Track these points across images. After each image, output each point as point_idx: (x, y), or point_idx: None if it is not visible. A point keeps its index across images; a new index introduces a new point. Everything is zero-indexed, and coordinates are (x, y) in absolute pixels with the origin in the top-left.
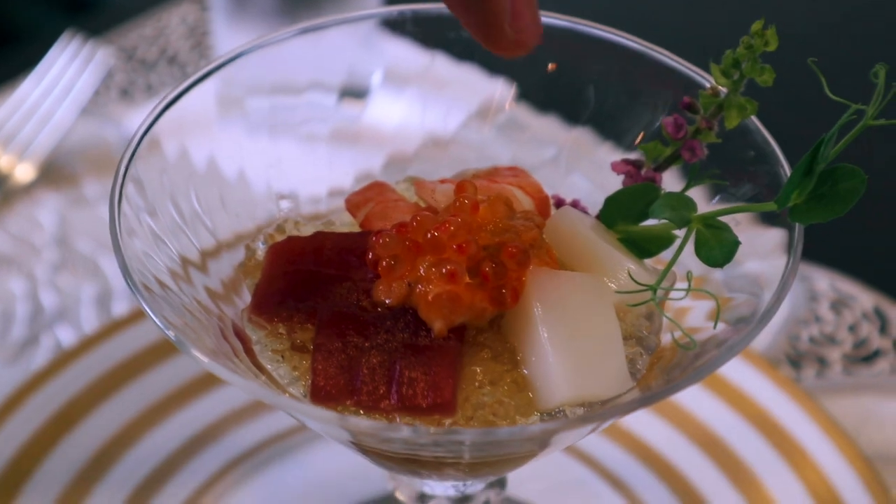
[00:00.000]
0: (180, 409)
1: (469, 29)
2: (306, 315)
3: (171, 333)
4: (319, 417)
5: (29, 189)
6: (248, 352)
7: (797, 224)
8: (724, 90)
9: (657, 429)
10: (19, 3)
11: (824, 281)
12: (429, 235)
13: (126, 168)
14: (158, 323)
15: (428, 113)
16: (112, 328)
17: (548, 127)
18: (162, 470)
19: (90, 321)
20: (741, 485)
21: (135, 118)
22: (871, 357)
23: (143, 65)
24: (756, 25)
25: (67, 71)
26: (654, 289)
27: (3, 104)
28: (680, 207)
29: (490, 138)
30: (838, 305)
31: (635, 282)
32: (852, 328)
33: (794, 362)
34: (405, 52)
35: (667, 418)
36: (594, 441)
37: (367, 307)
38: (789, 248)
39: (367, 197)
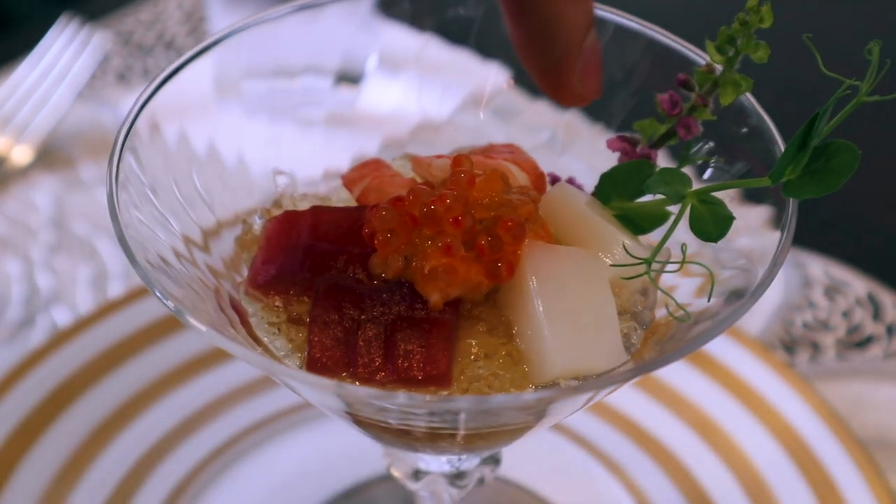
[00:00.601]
0: (176, 389)
1: (532, 73)
2: (302, 288)
3: (169, 304)
4: (316, 385)
5: (25, 172)
6: (245, 324)
7: (791, 199)
8: (719, 67)
9: (652, 411)
10: None
11: (818, 267)
12: (425, 209)
13: (124, 140)
14: (157, 294)
15: (422, 96)
16: (107, 309)
17: (541, 110)
18: (157, 449)
19: (86, 302)
20: (735, 467)
21: (131, 102)
22: (864, 343)
23: (139, 49)
24: (752, 1)
25: (64, 54)
26: (648, 262)
27: (0, 88)
28: (675, 183)
29: (484, 121)
30: (832, 291)
31: (630, 255)
32: (846, 314)
33: (787, 347)
34: (400, 36)
35: (661, 400)
36: (587, 422)
37: (364, 280)
38: (782, 221)
39: (363, 173)
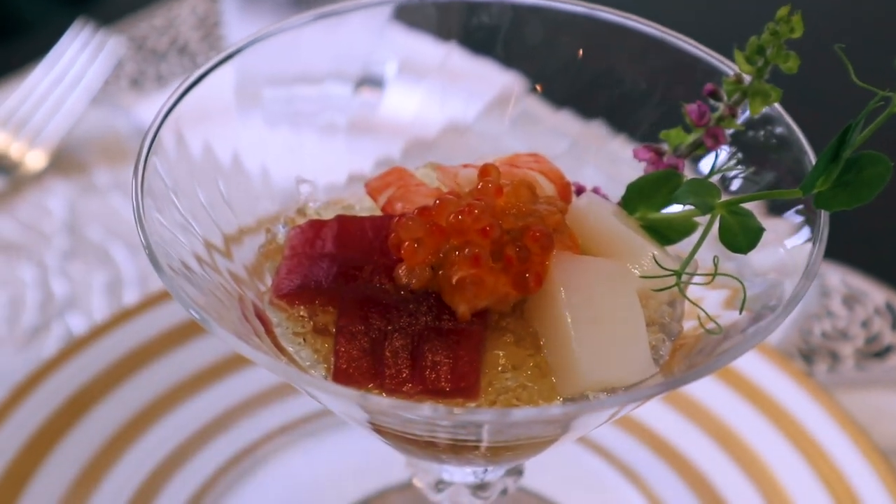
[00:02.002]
0: (192, 397)
1: None
2: (328, 298)
3: (194, 312)
4: (343, 396)
5: (39, 177)
6: (269, 334)
7: (822, 211)
8: (747, 77)
9: (671, 421)
10: None
11: (836, 276)
12: (452, 219)
13: (150, 146)
14: (182, 301)
15: (443, 104)
16: (123, 316)
17: (563, 119)
18: (175, 457)
19: (101, 309)
20: (755, 477)
21: (145, 108)
22: (883, 352)
23: (153, 55)
24: (782, 11)
25: (78, 59)
26: (678, 274)
27: (14, 92)
28: (704, 193)
29: (505, 130)
30: (850, 301)
31: (661, 266)
32: (864, 324)
33: (806, 357)
34: (421, 44)
35: (681, 410)
36: (608, 432)
37: (390, 290)
38: (814, 233)
39: (387, 182)
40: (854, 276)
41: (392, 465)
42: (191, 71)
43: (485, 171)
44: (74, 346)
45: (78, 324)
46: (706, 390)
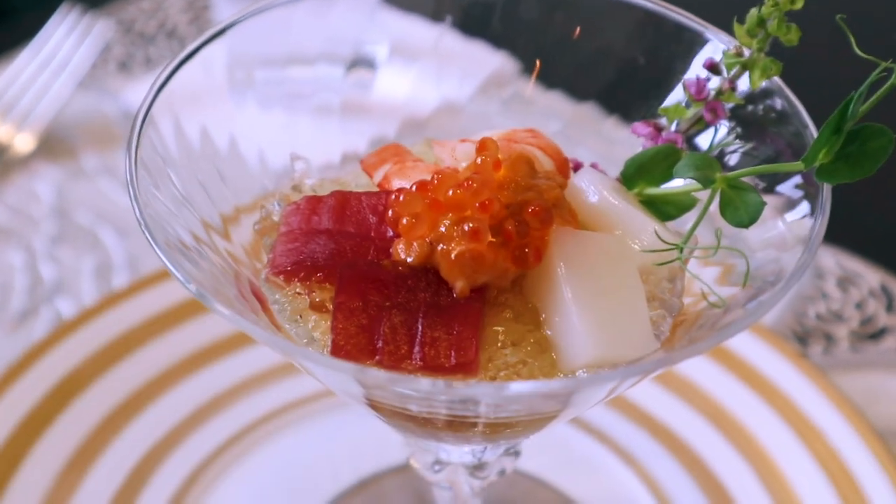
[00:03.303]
0: (184, 380)
1: None
2: (325, 274)
3: (192, 287)
4: (340, 370)
5: (27, 161)
6: (266, 311)
7: (824, 184)
8: (747, 51)
9: (667, 403)
10: None
11: (830, 258)
12: (450, 193)
13: (143, 121)
14: (180, 276)
15: (435, 85)
16: (112, 300)
17: (554, 100)
18: (167, 440)
19: (90, 293)
20: (751, 458)
21: (133, 91)
22: (877, 334)
23: (141, 38)
24: None
25: (65, 43)
26: (680, 248)
27: (1, 76)
28: (704, 167)
29: (496, 111)
30: (845, 283)
31: (662, 241)
32: (859, 305)
33: (800, 339)
34: (413, 25)
35: (676, 392)
36: (604, 414)
37: (388, 266)
38: (816, 206)
39: (383, 158)
40: (848, 257)
41: (388, 448)
42: (176, 55)
43: (483, 145)
44: (64, 330)
45: (67, 308)
46: (702, 371)
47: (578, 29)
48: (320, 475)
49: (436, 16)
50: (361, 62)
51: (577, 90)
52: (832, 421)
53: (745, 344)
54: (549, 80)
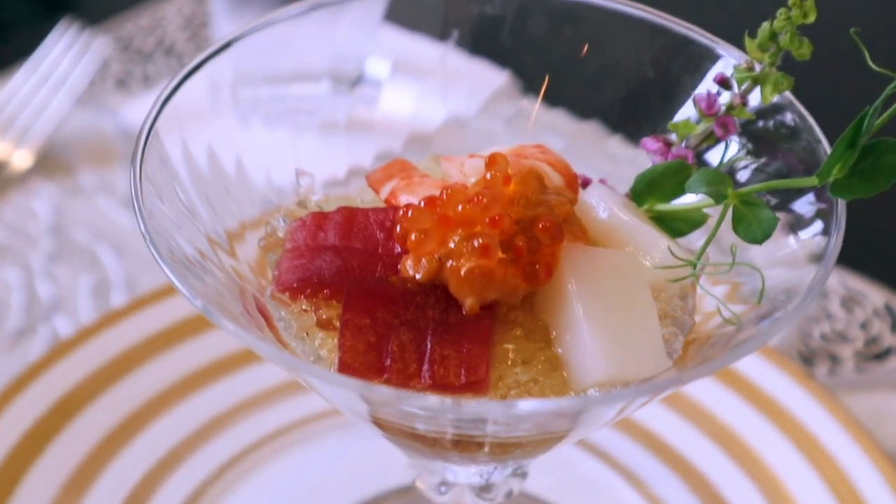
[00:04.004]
0: (184, 399)
1: None
2: (332, 291)
3: (198, 303)
4: (349, 387)
5: (24, 178)
6: (271, 328)
7: (838, 199)
8: (758, 65)
9: (674, 424)
10: None
11: (834, 278)
12: (460, 209)
13: (146, 139)
14: (185, 292)
15: (438, 103)
16: (110, 318)
17: (557, 118)
18: (166, 462)
19: (87, 311)
20: (758, 479)
21: (131, 109)
22: (883, 354)
23: (139, 55)
24: None
25: (63, 60)
26: (693, 264)
27: None
28: (716, 183)
29: (499, 129)
30: (849, 303)
31: (676, 257)
32: (863, 325)
33: (806, 359)
34: (416, 43)
35: (683, 413)
36: (610, 436)
37: (396, 283)
38: (831, 221)
39: (389, 173)
40: (852, 277)
41: (392, 469)
42: (178, 71)
43: (492, 160)
44: (61, 349)
45: (64, 327)
46: (709, 393)
47: (585, 41)
48: (323, 496)
49: (441, 34)
50: (365, 79)
51: (581, 108)
52: (840, 442)
53: (751, 365)
54: (553, 97)
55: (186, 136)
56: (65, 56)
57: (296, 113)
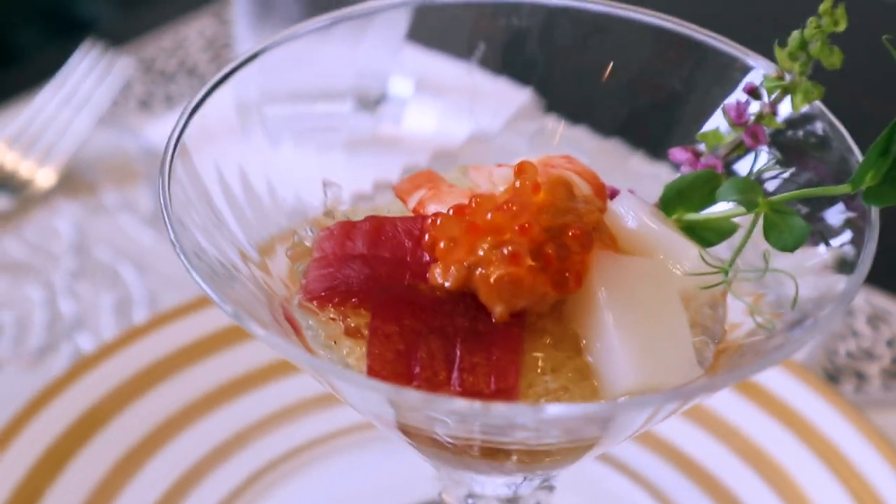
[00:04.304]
0: (207, 415)
1: None
2: (360, 300)
3: (228, 308)
4: (379, 390)
5: (47, 197)
6: (299, 337)
7: (872, 206)
8: (788, 74)
9: (701, 442)
10: (36, 20)
11: (860, 296)
12: (489, 216)
13: (175, 148)
14: (216, 297)
15: (460, 122)
16: (133, 334)
17: (578, 136)
18: (190, 475)
19: (110, 329)
20: (785, 495)
21: (154, 129)
22: None
23: (162, 76)
24: (825, 5)
25: (86, 80)
26: (725, 271)
27: (23, 112)
28: (747, 191)
29: (520, 146)
30: (875, 320)
31: (708, 263)
32: (890, 343)
33: (831, 377)
34: (434, 61)
35: (709, 429)
36: (635, 452)
37: (425, 291)
38: (866, 227)
39: (417, 184)
40: (877, 294)
41: (419, 484)
42: (200, 89)
43: (521, 168)
44: (83, 365)
45: (86, 344)
46: (735, 409)
47: (611, 60)
48: None
49: (463, 52)
50: (388, 98)
51: (606, 123)
52: (868, 457)
53: (778, 381)
54: (578, 112)
55: (213, 152)
56: (88, 77)
57: (321, 131)
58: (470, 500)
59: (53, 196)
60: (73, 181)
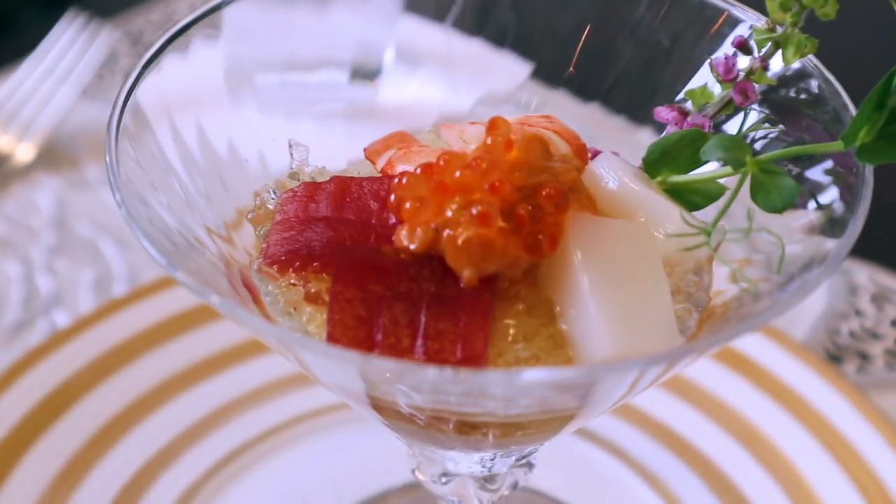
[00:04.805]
0: (183, 392)
1: None
2: (322, 264)
3: (178, 274)
4: (339, 358)
5: (27, 171)
6: (258, 303)
7: (866, 164)
8: (780, 27)
9: (691, 418)
10: None
11: (863, 274)
12: (458, 175)
13: (124, 102)
14: (161, 261)
15: (441, 90)
16: (109, 308)
17: (561, 102)
18: (164, 454)
19: (88, 306)
20: (783, 479)
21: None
22: None
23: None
24: None
25: (68, 52)
26: (707, 232)
27: (3, 85)
28: (734, 149)
29: (504, 114)
30: (879, 299)
31: (690, 224)
32: (894, 322)
33: (834, 357)
34: (418, 28)
35: (700, 407)
36: (621, 429)
37: (389, 254)
38: (859, 185)
39: (388, 144)
40: (882, 273)
41: (393, 467)
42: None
43: (493, 124)
44: (59, 338)
45: (64, 320)
46: (727, 385)
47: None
48: (322, 494)
49: (440, 16)
50: (365, 66)
51: (590, 84)
52: (870, 440)
53: (778, 361)
54: (553, 81)
55: (174, 117)
56: (70, 48)
57: (292, 104)
58: (444, 479)
59: (34, 170)
60: (54, 155)
